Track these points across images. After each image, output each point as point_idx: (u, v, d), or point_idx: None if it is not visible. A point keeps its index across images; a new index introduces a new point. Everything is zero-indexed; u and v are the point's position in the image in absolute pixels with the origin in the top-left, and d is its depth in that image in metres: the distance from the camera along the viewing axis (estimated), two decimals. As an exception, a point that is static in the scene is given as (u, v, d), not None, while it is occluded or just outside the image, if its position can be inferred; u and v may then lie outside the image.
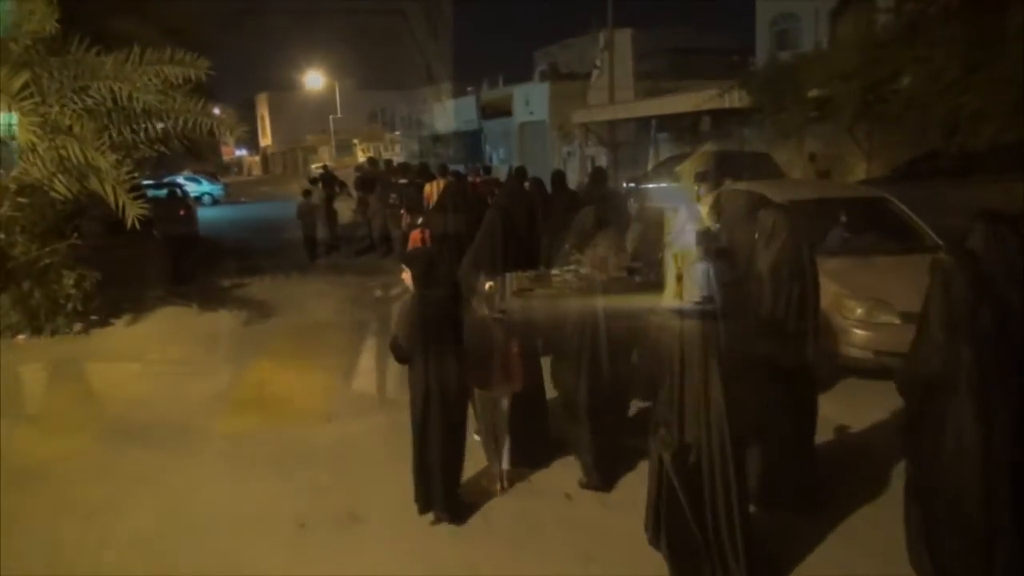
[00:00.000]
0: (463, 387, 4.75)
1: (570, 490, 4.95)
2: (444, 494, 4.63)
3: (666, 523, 3.97)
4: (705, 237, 8.51)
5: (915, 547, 3.73)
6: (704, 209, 9.07)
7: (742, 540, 3.77)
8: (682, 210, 9.19)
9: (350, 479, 5.24)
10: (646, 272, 8.96)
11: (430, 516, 4.64)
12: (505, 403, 5.02)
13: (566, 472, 5.17)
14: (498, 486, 4.99)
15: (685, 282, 8.78)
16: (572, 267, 8.59)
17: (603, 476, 5.01)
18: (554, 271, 7.86)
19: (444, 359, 4.61)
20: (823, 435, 5.10)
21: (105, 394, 7.37)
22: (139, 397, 7.13)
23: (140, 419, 6.49)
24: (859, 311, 6.49)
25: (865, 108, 11.11)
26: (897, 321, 6.25)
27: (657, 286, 8.68)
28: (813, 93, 12.14)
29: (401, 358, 4.84)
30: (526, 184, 10.61)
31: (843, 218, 7.67)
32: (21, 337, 9.07)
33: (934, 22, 10.30)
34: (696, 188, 9.66)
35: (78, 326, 9.37)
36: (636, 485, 4.61)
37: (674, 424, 3.88)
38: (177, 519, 4.82)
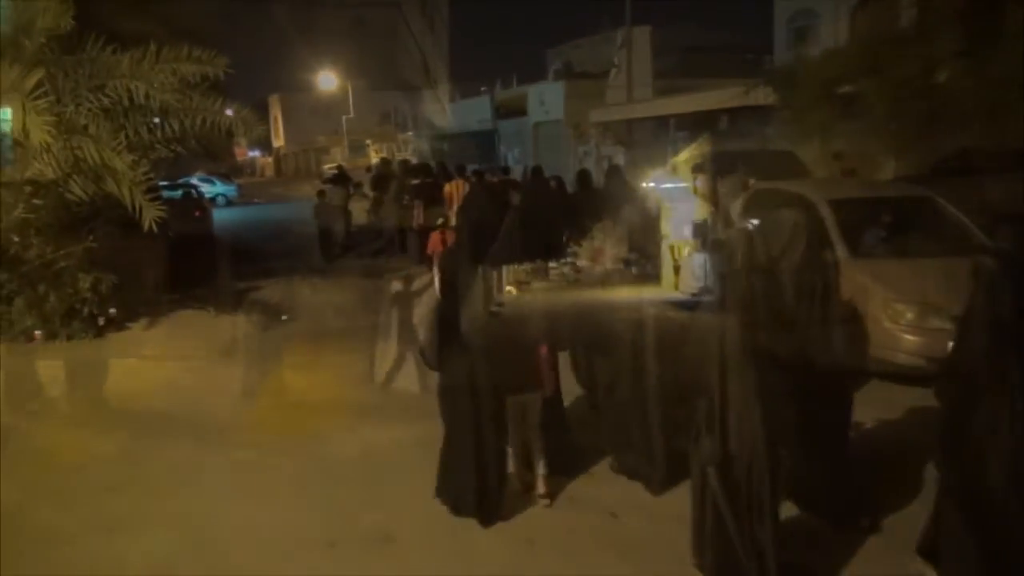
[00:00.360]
0: (495, 390, 4.57)
1: (613, 504, 4.69)
2: (476, 496, 4.48)
3: (711, 542, 3.78)
4: (703, 229, 8.32)
5: (950, 555, 3.55)
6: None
7: (776, 554, 3.61)
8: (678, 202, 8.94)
9: (379, 494, 4.98)
10: (643, 264, 8.83)
11: (467, 534, 4.41)
12: (536, 407, 4.85)
13: (603, 482, 4.97)
14: (539, 491, 4.79)
15: (682, 273, 8.60)
16: (569, 259, 8.44)
17: (652, 478, 4.83)
18: (551, 264, 7.70)
19: (473, 362, 4.46)
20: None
21: (122, 402, 7.15)
22: (156, 406, 6.91)
23: (158, 429, 6.26)
24: (909, 315, 6.20)
25: (898, 104, 10.80)
26: (950, 326, 5.93)
27: (655, 278, 8.50)
28: (843, 89, 11.84)
29: (432, 365, 4.68)
30: (552, 184, 10.40)
31: (887, 218, 7.36)
32: (38, 333, 8.86)
33: (975, 14, 10.01)
34: (692, 180, 9.44)
35: (94, 330, 9.16)
36: (685, 497, 4.34)
37: (716, 434, 3.72)
38: (200, 536, 4.58)
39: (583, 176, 11.81)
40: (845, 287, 6.53)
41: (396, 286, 10.06)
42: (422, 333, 4.94)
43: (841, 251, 6.92)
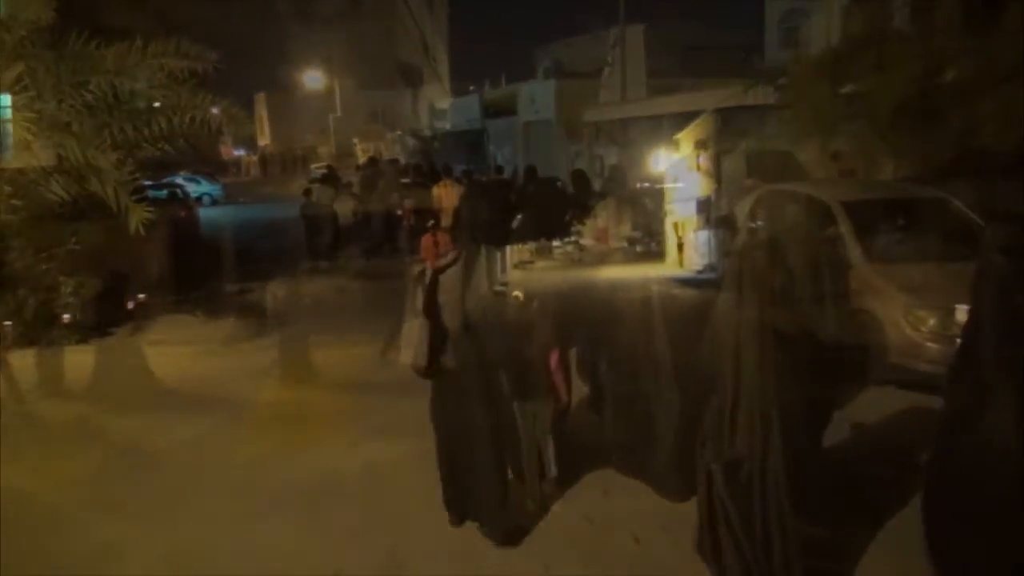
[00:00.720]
0: (492, 396, 4.41)
1: (631, 522, 4.43)
2: (482, 508, 4.32)
3: (721, 545, 3.63)
4: (706, 206, 8.25)
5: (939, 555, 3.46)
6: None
7: (793, 559, 3.47)
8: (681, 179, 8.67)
9: (385, 515, 4.71)
10: (647, 242, 8.70)
11: (480, 561, 4.14)
12: (547, 415, 4.70)
13: (619, 497, 4.75)
14: (544, 494, 4.66)
15: (686, 250, 8.55)
16: (573, 239, 8.28)
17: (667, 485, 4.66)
18: (555, 243, 7.58)
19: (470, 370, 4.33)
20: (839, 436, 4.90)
21: (105, 419, 6.73)
22: (143, 423, 6.54)
23: (147, 449, 5.91)
24: (932, 322, 5.99)
25: (904, 104, 10.59)
26: (975, 333, 5.72)
27: (659, 256, 8.35)
28: (847, 89, 11.63)
29: (424, 374, 4.50)
30: (558, 184, 10.29)
31: (901, 220, 7.17)
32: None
33: (975, 10, 9.82)
34: (696, 155, 9.21)
35: (76, 336, 8.78)
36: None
37: (726, 432, 3.62)
38: (195, 566, 4.27)
39: (578, 177, 11.62)
40: (861, 291, 6.33)
41: (420, 265, 9.84)
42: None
43: (856, 254, 6.71)
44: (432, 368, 4.35)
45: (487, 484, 4.28)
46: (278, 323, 9.42)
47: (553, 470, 4.72)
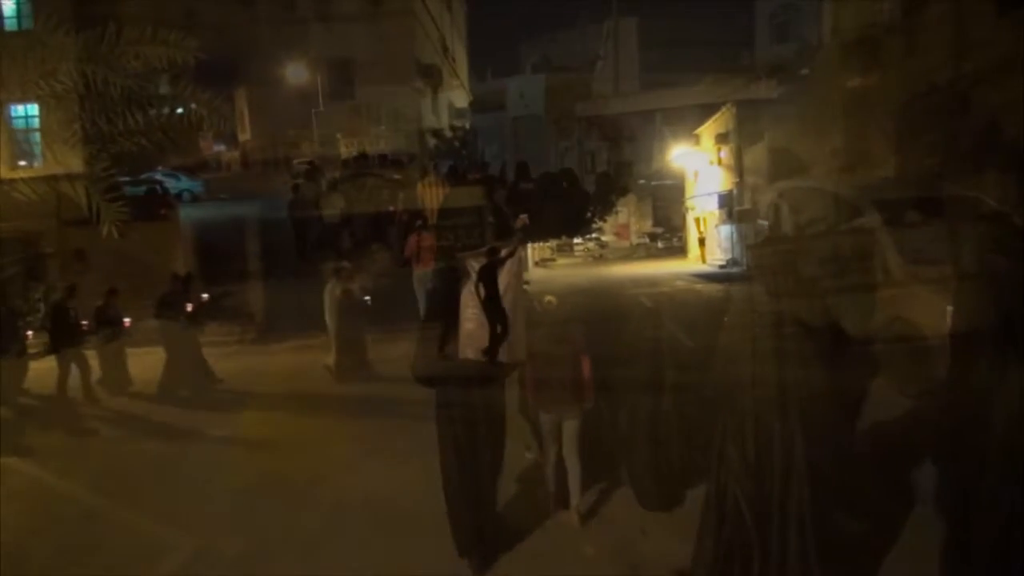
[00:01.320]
0: (495, 410, 4.17)
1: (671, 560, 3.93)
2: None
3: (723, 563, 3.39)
4: (728, 200, 7.99)
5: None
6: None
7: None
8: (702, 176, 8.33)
9: (389, 552, 4.25)
10: (669, 237, 8.37)
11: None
12: (573, 425, 4.41)
13: (656, 537, 4.27)
14: (572, 520, 4.38)
15: (708, 245, 8.33)
16: (594, 235, 7.93)
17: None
18: (576, 240, 7.49)
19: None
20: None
21: (78, 439, 6.20)
22: (121, 444, 6.04)
23: (124, 473, 5.40)
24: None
25: (912, 99, 10.28)
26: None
27: (681, 251, 8.13)
28: (853, 82, 11.32)
29: (424, 383, 4.25)
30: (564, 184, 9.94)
31: (935, 220, 6.73)
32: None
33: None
34: (717, 149, 8.93)
35: (45, 344, 8.19)
36: None
37: (750, 447, 3.35)
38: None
39: (566, 175, 11.26)
40: (897, 296, 5.96)
41: (473, 264, 9.44)
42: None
43: (893, 258, 6.28)
44: (491, 359, 4.06)
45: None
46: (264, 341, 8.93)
47: (577, 495, 4.40)
